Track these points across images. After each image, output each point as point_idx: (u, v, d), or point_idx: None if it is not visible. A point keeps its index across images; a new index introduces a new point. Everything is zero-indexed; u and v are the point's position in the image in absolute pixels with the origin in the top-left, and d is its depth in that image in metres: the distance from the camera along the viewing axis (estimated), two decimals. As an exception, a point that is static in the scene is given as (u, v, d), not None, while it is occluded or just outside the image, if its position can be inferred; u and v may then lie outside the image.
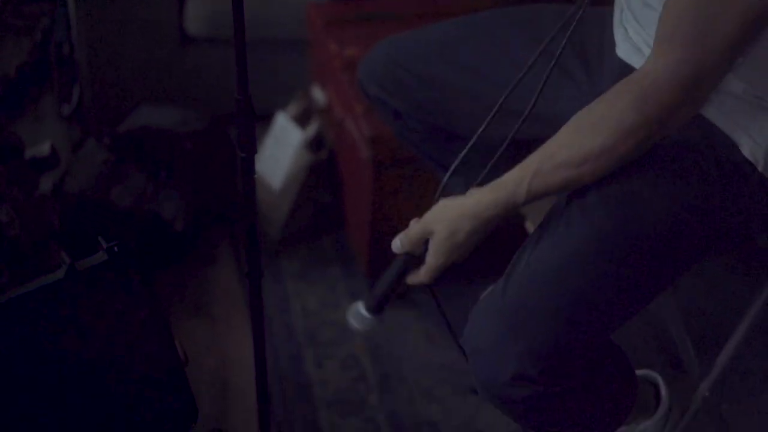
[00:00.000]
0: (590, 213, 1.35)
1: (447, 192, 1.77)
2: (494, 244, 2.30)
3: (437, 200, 1.52)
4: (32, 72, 2.87)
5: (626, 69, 1.44)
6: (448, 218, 1.45)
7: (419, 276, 1.52)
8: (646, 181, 1.35)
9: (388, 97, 1.78)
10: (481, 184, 1.49)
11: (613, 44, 1.53)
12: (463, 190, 1.75)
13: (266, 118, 2.50)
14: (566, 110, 1.41)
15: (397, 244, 1.51)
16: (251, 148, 1.39)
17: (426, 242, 1.51)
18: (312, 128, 2.44)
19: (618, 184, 1.35)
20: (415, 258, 1.53)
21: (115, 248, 1.24)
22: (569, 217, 1.38)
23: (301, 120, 2.47)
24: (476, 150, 1.59)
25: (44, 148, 2.12)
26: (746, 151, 1.38)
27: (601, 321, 1.38)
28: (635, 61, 1.46)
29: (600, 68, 1.58)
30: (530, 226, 1.91)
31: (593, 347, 1.42)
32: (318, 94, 2.46)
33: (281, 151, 2.45)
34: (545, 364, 1.35)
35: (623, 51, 1.50)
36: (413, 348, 2.26)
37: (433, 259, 1.49)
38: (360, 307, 1.59)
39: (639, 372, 1.64)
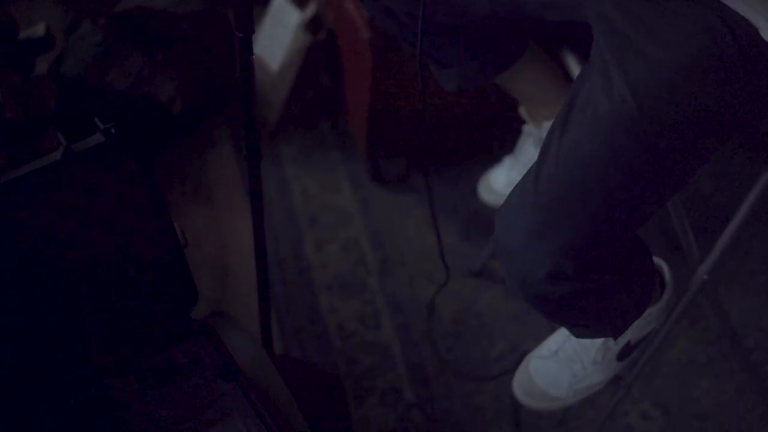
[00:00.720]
0: (619, 103, 1.32)
1: (441, 84, 1.75)
2: (489, 128, 2.30)
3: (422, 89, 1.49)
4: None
5: None
6: None
7: None
8: (674, 69, 1.33)
9: None
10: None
11: None
12: (456, 82, 1.73)
13: (264, -1, 2.46)
14: None
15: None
16: (249, 27, 1.37)
17: None
18: (310, 9, 2.40)
19: (645, 71, 1.32)
20: None
21: (112, 130, 1.22)
22: (596, 107, 1.34)
23: (299, 0, 2.43)
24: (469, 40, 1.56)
25: (39, 29, 2.09)
26: (765, 34, 1.36)
27: (634, 214, 1.37)
28: None
29: None
30: (523, 112, 1.90)
31: (626, 241, 1.41)
32: (316, -26, 2.42)
33: (279, 32, 2.41)
34: (581, 260, 1.35)
35: None
36: (413, 232, 2.26)
37: None
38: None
39: None
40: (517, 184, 1.40)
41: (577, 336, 1.60)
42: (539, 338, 1.95)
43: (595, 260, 1.37)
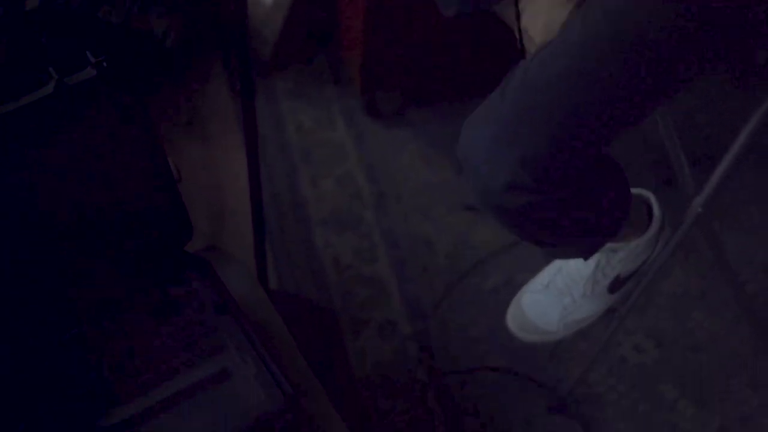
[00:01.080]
0: (591, 23, 1.32)
1: (440, 8, 1.73)
2: (490, 61, 2.28)
3: None
4: None
5: None
6: None
7: None
8: None
9: None
10: None
11: None
12: (456, 7, 1.70)
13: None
14: None
15: None
16: (241, -40, 1.36)
17: None
18: (304, -58, 2.37)
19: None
20: None
21: (104, 63, 1.21)
22: (569, 33, 1.35)
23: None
24: None
25: (29, -37, 2.06)
26: None
27: (596, 129, 1.37)
28: None
29: None
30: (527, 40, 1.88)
31: (588, 157, 1.40)
32: None
33: (272, -35, 2.39)
34: (540, 172, 1.35)
35: None
36: (408, 167, 2.26)
37: None
38: None
39: (632, 190, 1.64)
40: (485, 101, 1.40)
41: (547, 256, 1.60)
42: (533, 271, 1.96)
43: (554, 173, 1.36)
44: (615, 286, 1.73)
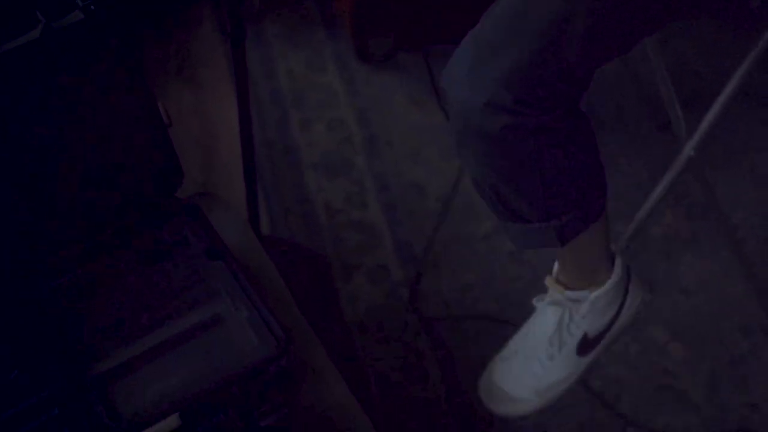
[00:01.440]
0: None
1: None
2: (482, 4, 2.26)
3: None
4: None
5: None
6: None
7: None
8: None
9: None
10: None
11: None
12: None
13: None
14: None
15: None
16: None
17: None
18: None
19: None
20: None
21: (92, 6, 1.20)
22: None
23: None
24: None
25: None
26: None
27: (578, 46, 1.33)
28: None
29: None
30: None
31: (570, 83, 1.36)
32: None
33: None
34: (520, 91, 1.32)
35: None
36: (399, 111, 2.25)
37: None
38: None
39: None
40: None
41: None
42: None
43: (534, 93, 1.33)
44: (583, 347, 1.69)
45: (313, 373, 1.34)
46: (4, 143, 1.23)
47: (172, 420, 1.20)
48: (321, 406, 1.30)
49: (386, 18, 2.26)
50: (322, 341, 1.40)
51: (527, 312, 1.84)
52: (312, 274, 2.01)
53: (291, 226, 2.08)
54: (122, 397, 1.22)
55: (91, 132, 1.31)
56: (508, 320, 1.89)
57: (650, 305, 1.94)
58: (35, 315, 1.28)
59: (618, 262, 1.65)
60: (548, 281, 1.67)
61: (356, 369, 1.88)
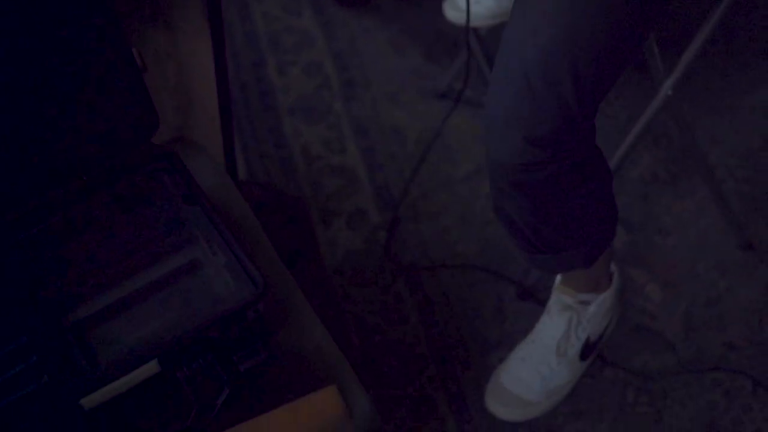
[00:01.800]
0: None
1: None
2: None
3: None
4: None
5: None
6: None
7: None
8: None
9: None
10: None
11: None
12: None
13: None
14: None
15: None
16: None
17: None
18: None
19: None
20: None
21: (62, -50, 1.18)
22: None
23: None
24: None
25: None
26: None
27: (595, 73, 1.35)
28: None
29: None
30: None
31: (591, 117, 1.40)
32: None
33: None
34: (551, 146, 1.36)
35: None
36: (377, 54, 2.23)
37: None
38: None
39: None
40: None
41: (551, 271, 1.65)
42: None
43: (564, 144, 1.37)
44: (586, 352, 1.78)
45: (292, 317, 1.34)
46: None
47: (151, 366, 1.20)
48: (300, 349, 1.30)
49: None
50: (301, 285, 1.40)
51: (507, 254, 1.84)
52: (291, 219, 2.01)
53: (268, 171, 2.07)
54: (101, 343, 1.22)
55: (65, 78, 1.29)
56: (488, 269, 1.90)
57: (629, 246, 1.95)
58: (11, 262, 1.28)
59: (617, 271, 1.78)
60: (557, 288, 1.76)
61: (335, 313, 1.88)
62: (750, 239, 1.94)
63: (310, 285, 1.85)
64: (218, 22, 1.59)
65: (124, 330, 1.23)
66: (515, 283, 1.90)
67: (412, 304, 1.90)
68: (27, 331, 1.21)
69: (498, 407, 1.77)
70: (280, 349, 1.30)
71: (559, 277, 1.77)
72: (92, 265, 1.28)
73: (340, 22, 2.28)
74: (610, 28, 1.31)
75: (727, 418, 1.77)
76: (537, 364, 1.76)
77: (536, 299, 1.88)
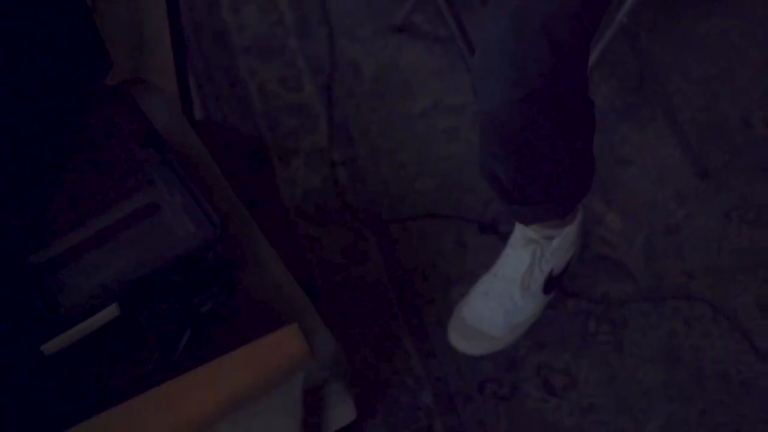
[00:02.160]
0: None
1: None
2: None
3: None
4: None
5: None
6: None
7: None
8: None
9: None
10: None
11: None
12: None
13: None
14: None
15: None
16: None
17: None
18: None
19: None
20: None
21: None
22: None
23: None
24: None
25: None
26: None
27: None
28: None
29: None
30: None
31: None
32: None
33: None
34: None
35: None
36: (331, -11, 2.21)
37: None
38: None
39: None
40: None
41: (525, 221, 1.66)
42: (461, 93, 1.95)
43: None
44: (549, 285, 1.77)
45: (252, 257, 1.33)
46: None
47: (112, 309, 1.19)
48: (261, 288, 1.30)
49: None
50: (260, 225, 1.39)
51: (462, 190, 1.84)
52: (248, 158, 2.00)
53: (224, 110, 2.05)
54: (60, 288, 1.21)
55: (12, 20, 1.27)
56: (449, 216, 1.91)
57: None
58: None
59: (579, 209, 1.77)
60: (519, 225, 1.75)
61: (296, 252, 1.88)
62: (707, 167, 1.95)
63: (270, 225, 1.84)
64: (169, -41, 1.56)
65: (83, 274, 1.22)
66: (475, 222, 1.90)
67: (373, 242, 1.90)
68: (-16, 278, 1.20)
69: (461, 342, 1.78)
70: (242, 290, 1.30)
71: None
72: (48, 209, 1.27)
73: (293, -43, 2.25)
74: None
75: (687, 345, 1.79)
76: (500, 298, 1.76)
77: (497, 233, 1.88)
